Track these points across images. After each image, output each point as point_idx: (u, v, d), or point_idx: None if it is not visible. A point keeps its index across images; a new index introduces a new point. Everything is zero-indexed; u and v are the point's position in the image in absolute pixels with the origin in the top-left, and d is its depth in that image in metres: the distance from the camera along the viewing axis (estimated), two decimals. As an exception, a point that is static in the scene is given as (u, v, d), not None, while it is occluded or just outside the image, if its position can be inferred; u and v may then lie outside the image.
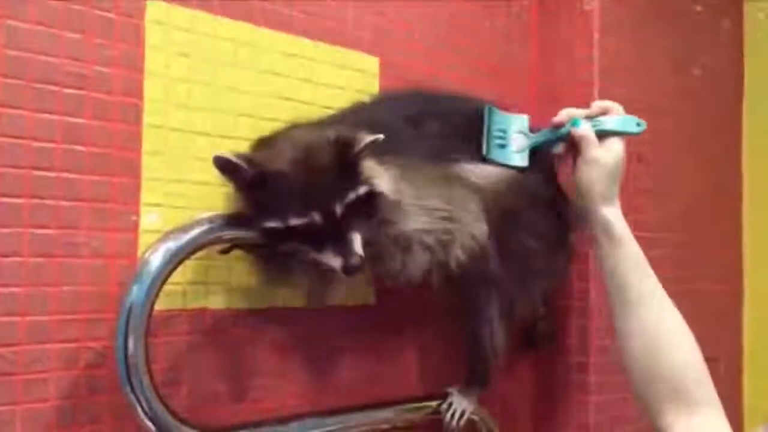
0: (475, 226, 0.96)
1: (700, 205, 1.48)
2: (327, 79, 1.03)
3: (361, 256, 0.82)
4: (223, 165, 0.80)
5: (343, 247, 0.82)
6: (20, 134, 0.78)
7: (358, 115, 0.97)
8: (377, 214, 0.87)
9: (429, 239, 0.92)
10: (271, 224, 0.82)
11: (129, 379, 0.76)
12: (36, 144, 0.79)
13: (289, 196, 0.82)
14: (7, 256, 0.77)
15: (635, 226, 1.32)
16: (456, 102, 1.07)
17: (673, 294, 1.38)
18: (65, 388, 0.80)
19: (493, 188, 1.01)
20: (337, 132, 0.85)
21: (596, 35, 1.29)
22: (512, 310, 1.07)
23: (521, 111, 1.09)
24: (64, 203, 0.81)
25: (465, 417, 1.07)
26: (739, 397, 1.54)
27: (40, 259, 0.79)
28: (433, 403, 1.08)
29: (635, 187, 1.33)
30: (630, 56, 1.34)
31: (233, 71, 0.94)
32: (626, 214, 1.30)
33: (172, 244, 0.80)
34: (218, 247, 0.88)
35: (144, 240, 0.85)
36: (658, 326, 0.94)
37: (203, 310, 0.91)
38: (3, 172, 0.77)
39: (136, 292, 0.77)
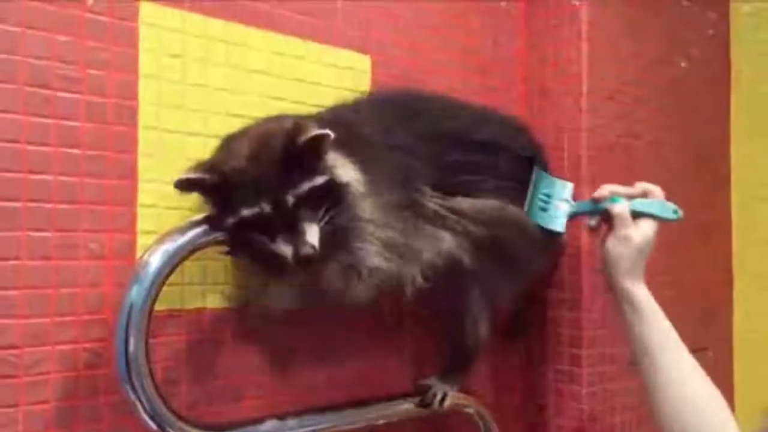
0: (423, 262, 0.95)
1: (689, 195, 1.49)
2: (318, 78, 1.03)
3: (313, 246, 0.79)
4: (182, 185, 0.80)
5: (295, 236, 0.80)
6: (15, 138, 0.78)
7: (332, 116, 0.95)
8: (341, 204, 0.84)
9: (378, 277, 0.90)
10: (229, 220, 0.81)
11: (130, 379, 0.77)
12: (32, 148, 0.79)
13: (243, 189, 0.80)
14: (5, 259, 0.78)
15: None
16: (440, 115, 1.04)
17: (663, 284, 1.41)
18: (66, 389, 0.81)
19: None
20: (294, 120, 0.84)
21: (584, 27, 1.29)
22: (495, 299, 1.08)
23: (512, 105, 1.09)
24: (60, 206, 0.81)
25: (448, 399, 1.07)
26: (730, 386, 1.56)
27: (38, 262, 0.80)
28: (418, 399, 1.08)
29: (624, 178, 1.35)
30: (618, 49, 1.35)
31: (226, 72, 0.95)
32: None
33: (170, 246, 0.80)
34: (218, 248, 0.87)
35: (141, 242, 0.86)
36: (683, 396, 0.97)
37: (201, 310, 0.92)
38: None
39: (136, 293, 0.78)
